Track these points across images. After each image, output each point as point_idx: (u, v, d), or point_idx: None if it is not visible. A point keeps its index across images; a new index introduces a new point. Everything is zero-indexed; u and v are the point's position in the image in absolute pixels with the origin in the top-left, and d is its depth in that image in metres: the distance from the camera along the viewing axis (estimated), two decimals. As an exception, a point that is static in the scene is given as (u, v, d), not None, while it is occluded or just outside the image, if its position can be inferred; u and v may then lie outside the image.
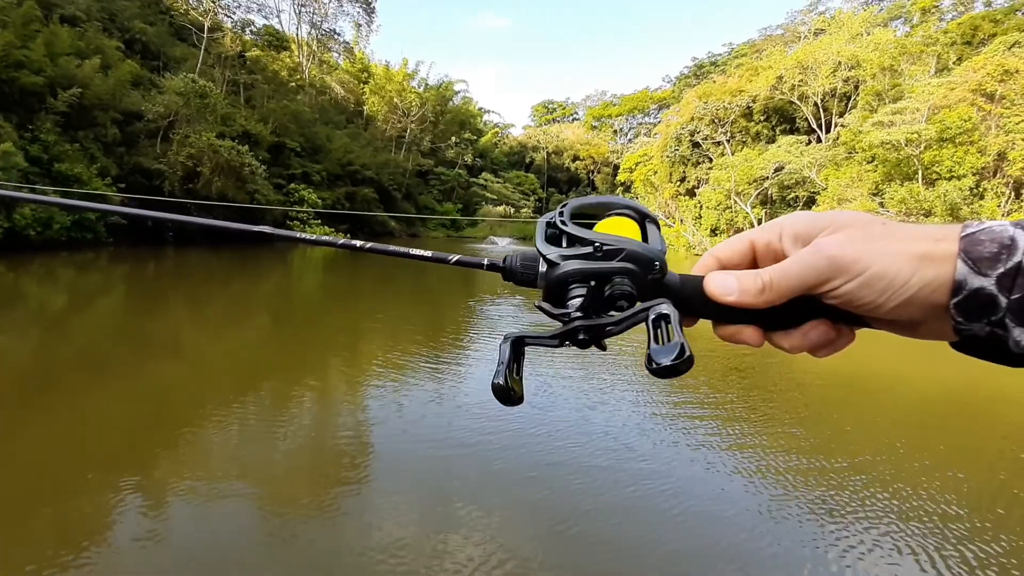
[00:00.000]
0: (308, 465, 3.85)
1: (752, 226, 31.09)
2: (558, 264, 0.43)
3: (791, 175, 28.52)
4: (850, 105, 29.55)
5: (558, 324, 0.43)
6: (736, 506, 3.42)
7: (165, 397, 5.05)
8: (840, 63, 29.69)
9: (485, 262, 0.48)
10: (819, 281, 0.39)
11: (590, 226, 0.47)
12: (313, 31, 40.53)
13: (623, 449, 4.17)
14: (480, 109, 55.85)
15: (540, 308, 0.44)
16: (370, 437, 4.36)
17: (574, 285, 0.43)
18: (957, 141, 20.48)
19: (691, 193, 36.21)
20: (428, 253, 0.50)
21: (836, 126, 29.37)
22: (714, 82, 39.05)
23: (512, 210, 51.16)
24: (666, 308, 0.39)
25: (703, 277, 0.44)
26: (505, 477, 3.67)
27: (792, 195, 30.44)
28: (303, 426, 4.52)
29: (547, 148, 58.79)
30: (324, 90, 38.03)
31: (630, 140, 60.36)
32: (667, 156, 37.25)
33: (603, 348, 0.44)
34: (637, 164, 42.32)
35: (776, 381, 6.52)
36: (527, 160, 59.58)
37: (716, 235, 33.20)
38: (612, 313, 0.42)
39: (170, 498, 3.23)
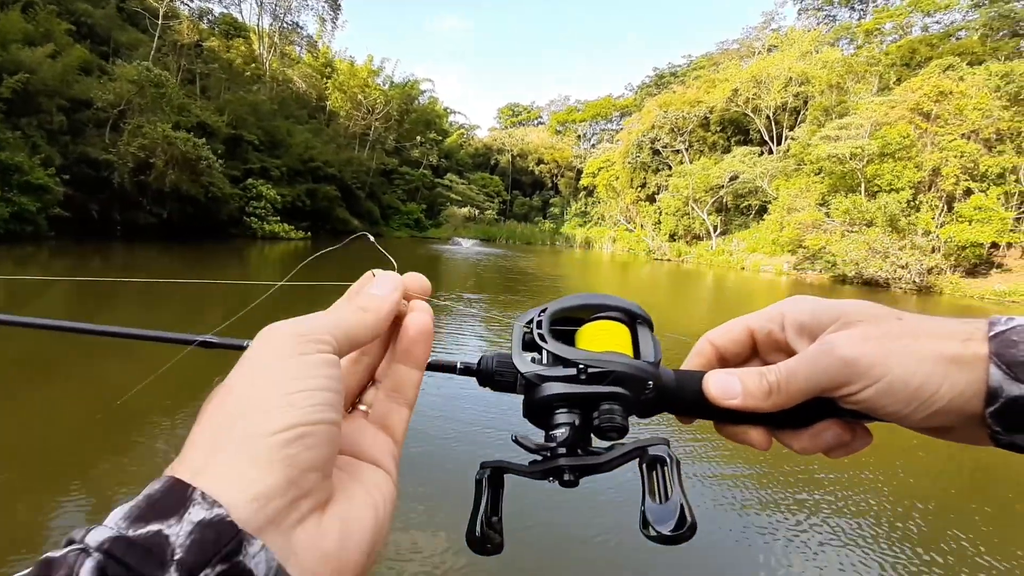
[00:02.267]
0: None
1: (709, 233, 32.27)
2: (538, 385, 0.39)
3: (745, 184, 29.77)
4: (800, 119, 31.11)
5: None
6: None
7: (115, 398, 4.89)
8: (791, 78, 31.19)
9: (458, 364, 0.42)
10: (833, 385, 0.35)
11: (572, 333, 0.43)
12: (275, 23, 39.48)
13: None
14: (446, 109, 55.64)
15: (517, 443, 0.39)
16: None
17: (559, 411, 0.38)
18: (896, 156, 21.88)
19: (651, 199, 37.22)
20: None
21: (787, 139, 30.83)
22: (674, 92, 40.29)
23: (477, 212, 51.16)
24: (662, 451, 0.35)
25: (702, 375, 0.41)
26: (468, 478, 3.75)
27: (745, 203, 31.76)
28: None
29: (512, 151, 59.08)
30: (285, 83, 37.08)
31: (593, 145, 61.38)
32: (629, 162, 38.18)
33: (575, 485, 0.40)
34: (600, 169, 43.15)
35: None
36: (492, 162, 59.70)
37: (675, 240, 34.24)
38: (599, 447, 0.38)
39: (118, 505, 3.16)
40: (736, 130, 35.64)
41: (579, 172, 51.71)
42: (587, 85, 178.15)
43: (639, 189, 38.00)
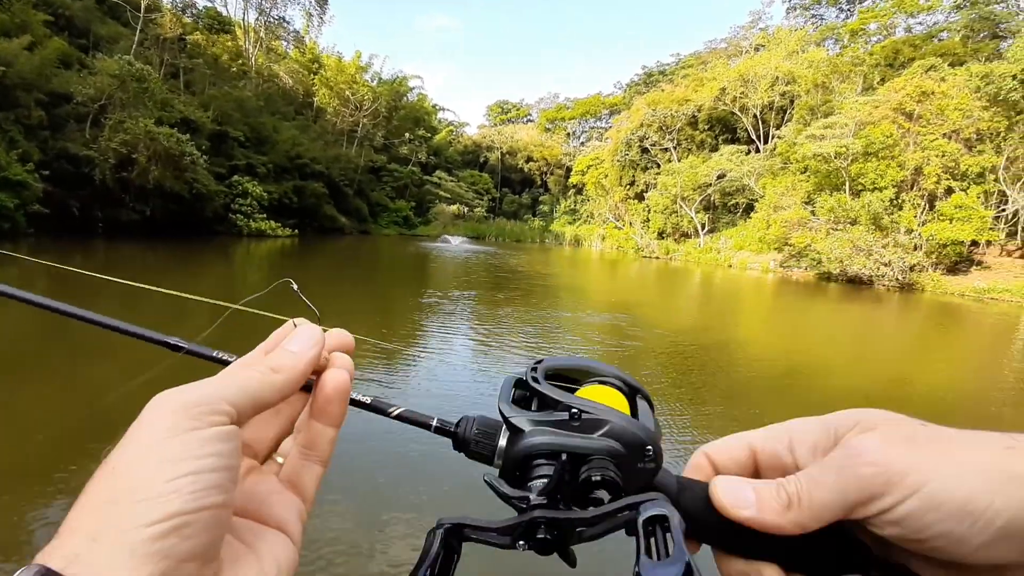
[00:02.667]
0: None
1: (697, 231, 32.51)
2: (523, 433, 0.35)
3: (732, 182, 30.01)
4: (786, 118, 31.42)
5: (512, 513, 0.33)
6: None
7: (95, 400, 4.79)
8: (777, 78, 31.48)
9: (434, 423, 0.39)
10: (864, 496, 0.29)
11: (570, 391, 0.39)
12: (261, 17, 38.98)
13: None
14: (435, 106, 55.37)
15: (489, 484, 0.34)
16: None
17: (540, 461, 0.34)
18: (880, 155, 22.18)
19: (640, 197, 37.39)
20: (368, 399, 0.39)
21: (773, 137, 31.13)
22: (662, 90, 40.47)
23: (466, 209, 51.01)
24: (662, 508, 0.29)
25: (706, 485, 0.34)
26: (454, 480, 3.74)
27: (733, 202, 32.02)
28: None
29: (501, 148, 58.98)
30: (271, 79, 36.64)
31: (582, 143, 61.50)
32: (618, 160, 38.31)
33: (571, 563, 0.34)
34: (589, 167, 43.24)
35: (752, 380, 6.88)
36: (481, 159, 59.55)
37: (663, 238, 34.45)
38: (586, 509, 0.32)
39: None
40: (724, 128, 35.90)
41: (568, 170, 51.79)
42: (576, 83, 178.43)
43: (628, 187, 38.15)
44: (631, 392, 0.40)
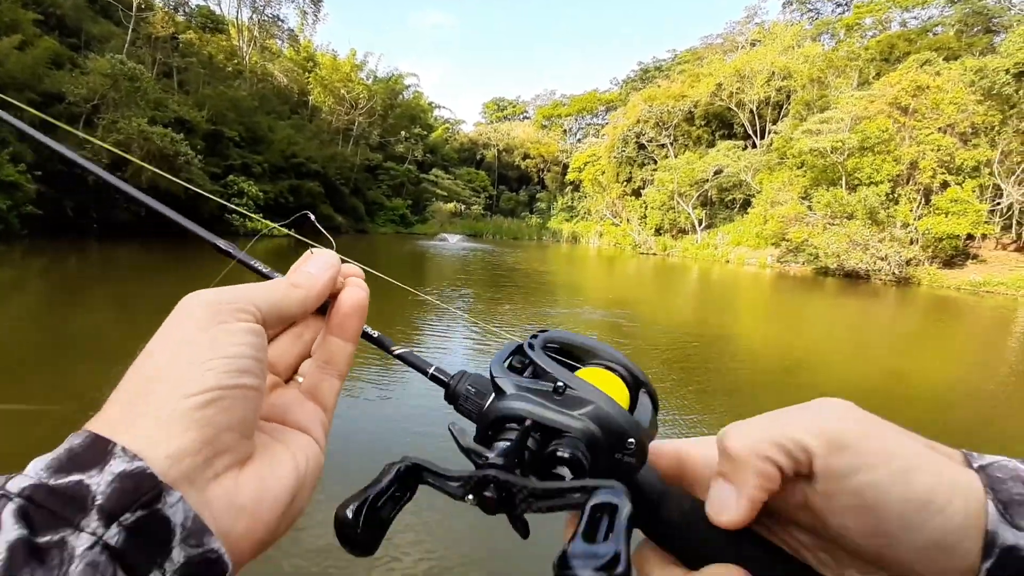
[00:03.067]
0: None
1: (694, 227, 32.52)
2: (505, 395, 0.34)
3: (729, 178, 30.02)
4: (782, 113, 31.43)
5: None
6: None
7: (91, 402, 4.76)
8: (773, 73, 31.48)
9: (431, 370, 0.40)
10: (834, 447, 0.27)
11: (571, 368, 0.38)
12: (255, 15, 38.75)
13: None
14: (431, 104, 55.21)
15: (451, 432, 0.34)
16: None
17: (512, 425, 0.33)
18: (876, 150, 22.21)
19: (637, 193, 37.37)
20: (375, 334, 0.41)
21: (770, 132, 31.16)
22: (659, 86, 40.40)
23: (463, 207, 50.92)
24: (616, 497, 0.27)
25: (692, 497, 0.33)
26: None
27: (730, 197, 32.05)
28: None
29: (498, 146, 58.85)
30: (266, 78, 36.46)
31: (579, 140, 61.39)
32: (614, 157, 38.28)
33: (522, 530, 0.33)
34: (586, 164, 43.18)
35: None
36: (478, 157, 59.43)
37: (660, 234, 34.46)
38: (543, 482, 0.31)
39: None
40: (720, 124, 35.89)
41: (565, 167, 51.69)
42: (573, 80, 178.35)
43: (625, 183, 38.13)
44: (635, 384, 0.38)
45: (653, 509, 0.33)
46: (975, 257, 22.02)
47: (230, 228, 24.16)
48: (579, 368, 0.39)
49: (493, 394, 0.36)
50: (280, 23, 42.53)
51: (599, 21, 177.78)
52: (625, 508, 0.27)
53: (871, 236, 21.02)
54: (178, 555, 0.23)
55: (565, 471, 0.31)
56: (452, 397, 0.38)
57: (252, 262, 0.42)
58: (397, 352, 0.41)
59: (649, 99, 37.53)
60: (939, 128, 21.79)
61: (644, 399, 0.37)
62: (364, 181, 39.97)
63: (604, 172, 39.99)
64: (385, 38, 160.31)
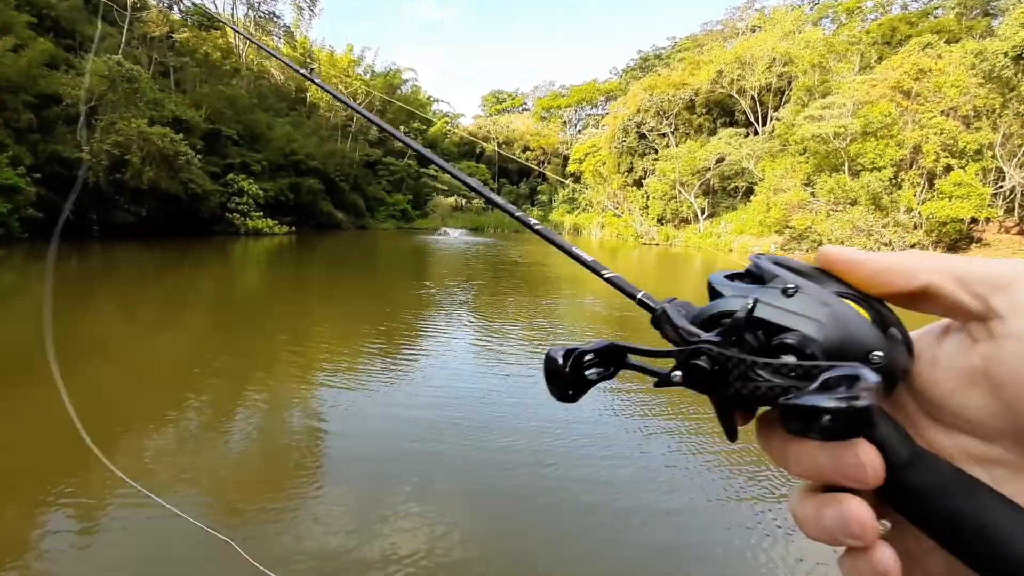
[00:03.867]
0: (248, 469, 3.74)
1: (697, 216, 32.36)
2: (724, 296, 0.31)
3: (731, 166, 29.82)
4: (784, 99, 31.13)
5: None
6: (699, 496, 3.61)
7: (95, 402, 4.75)
8: (775, 59, 31.16)
9: (640, 295, 0.37)
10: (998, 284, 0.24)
11: None
12: (251, 12, 38.53)
13: (587, 441, 4.29)
14: (429, 98, 54.95)
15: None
16: (313, 439, 4.24)
17: (727, 321, 0.29)
18: (878, 135, 22.01)
19: (638, 184, 37.15)
20: (588, 258, 0.42)
21: (771, 119, 30.89)
22: (659, 75, 40.04)
23: (464, 201, 50.79)
24: (860, 370, 0.24)
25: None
26: (455, 476, 3.71)
27: (732, 185, 31.85)
28: (242, 429, 4.37)
29: (497, 138, 58.59)
30: (263, 75, 36.31)
31: (579, 131, 61.01)
32: (615, 147, 38.02)
33: (729, 430, 0.31)
34: (586, 155, 42.94)
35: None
36: (478, 150, 59.20)
37: (663, 224, 34.31)
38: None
39: (103, 507, 3.07)
40: (721, 112, 35.59)
41: (566, 158, 51.44)
42: (572, 70, 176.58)
43: (626, 174, 37.90)
44: (882, 323, 0.28)
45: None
46: (979, 241, 21.87)
47: (231, 227, 24.18)
48: None
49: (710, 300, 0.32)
50: (276, 19, 42.29)
51: (597, 9, 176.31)
52: (874, 380, 0.23)
53: (875, 222, 20.89)
54: None
55: (791, 358, 0.27)
56: (658, 321, 0.35)
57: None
58: (607, 276, 0.41)
59: (649, 88, 37.20)
60: (942, 111, 21.57)
61: (894, 333, 0.29)
62: (364, 177, 39.90)
63: (605, 163, 39.74)
64: (381, 32, 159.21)
